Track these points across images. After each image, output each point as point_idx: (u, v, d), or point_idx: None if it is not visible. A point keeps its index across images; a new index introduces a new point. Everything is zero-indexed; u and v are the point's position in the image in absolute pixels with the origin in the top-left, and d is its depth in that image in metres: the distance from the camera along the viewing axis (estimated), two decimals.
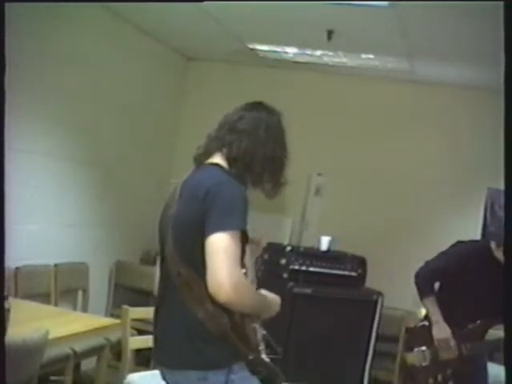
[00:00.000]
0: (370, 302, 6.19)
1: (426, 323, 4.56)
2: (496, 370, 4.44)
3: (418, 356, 4.52)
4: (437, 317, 4.45)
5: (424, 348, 4.51)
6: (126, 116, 6.99)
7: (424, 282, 4.52)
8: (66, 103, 6.00)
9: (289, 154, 2.78)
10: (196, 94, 8.09)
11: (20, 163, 5.49)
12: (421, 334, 4.56)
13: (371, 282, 6.33)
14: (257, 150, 2.67)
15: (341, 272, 6.32)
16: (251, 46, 6.93)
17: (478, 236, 6.94)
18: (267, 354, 2.68)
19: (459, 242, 4.57)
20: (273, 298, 2.78)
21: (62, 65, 5.82)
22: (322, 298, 6.07)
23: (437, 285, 4.61)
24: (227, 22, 6.21)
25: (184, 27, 6.64)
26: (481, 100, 7.08)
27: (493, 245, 4.33)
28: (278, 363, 2.74)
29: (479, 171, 7.14)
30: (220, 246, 2.42)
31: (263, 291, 2.74)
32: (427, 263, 4.59)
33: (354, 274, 6.34)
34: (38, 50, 5.47)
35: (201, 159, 2.75)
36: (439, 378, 4.45)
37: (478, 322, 4.44)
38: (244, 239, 2.54)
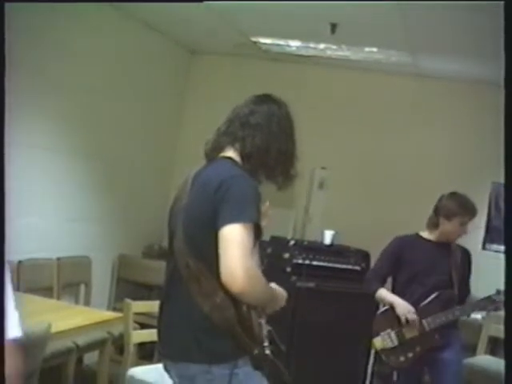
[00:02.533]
0: (363, 287, 6.18)
1: (386, 308, 4.74)
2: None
3: (385, 339, 4.68)
4: (394, 298, 4.66)
5: (389, 330, 4.68)
6: (129, 110, 6.97)
7: (369, 282, 4.87)
8: (68, 97, 5.99)
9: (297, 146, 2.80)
10: (199, 88, 8.08)
11: (22, 157, 5.49)
12: (383, 320, 4.73)
13: None
14: (270, 145, 2.67)
15: (344, 266, 6.31)
16: (254, 40, 6.92)
17: (482, 230, 6.94)
18: (271, 351, 2.67)
19: (396, 237, 4.91)
20: (280, 291, 2.78)
21: (63, 59, 5.81)
22: (325, 291, 6.07)
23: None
24: (230, 16, 6.20)
25: (187, 21, 6.62)
26: (484, 94, 7.05)
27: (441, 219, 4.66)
28: (281, 357, 2.73)
29: (483, 165, 7.12)
30: (234, 238, 2.41)
31: (272, 284, 2.74)
32: (372, 268, 5.04)
33: (357, 268, 6.33)
34: (39, 44, 5.46)
35: (212, 154, 2.75)
36: (409, 355, 4.62)
37: (432, 296, 4.61)
38: (257, 232, 2.53)
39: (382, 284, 4.82)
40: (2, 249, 2.02)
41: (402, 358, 4.63)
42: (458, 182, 7.15)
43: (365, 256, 6.36)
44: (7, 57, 4.79)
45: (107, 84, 6.51)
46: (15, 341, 2.05)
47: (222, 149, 2.72)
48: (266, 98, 2.79)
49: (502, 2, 2.20)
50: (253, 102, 2.77)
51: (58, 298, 5.87)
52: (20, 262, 5.50)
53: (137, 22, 6.73)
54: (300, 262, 6.11)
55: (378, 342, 4.72)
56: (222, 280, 2.42)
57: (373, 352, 5.70)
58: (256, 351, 2.57)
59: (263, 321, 2.68)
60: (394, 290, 4.79)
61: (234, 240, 2.41)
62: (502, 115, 2.15)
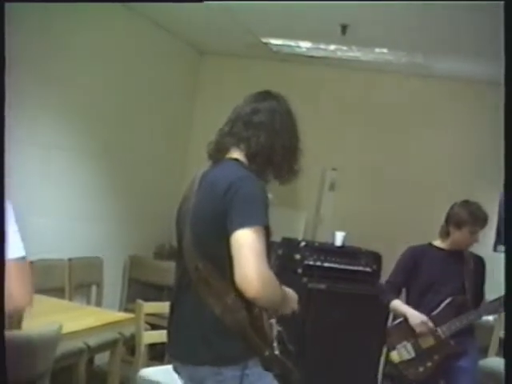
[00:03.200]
0: (379, 298, 6.17)
1: (401, 320, 4.73)
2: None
3: (402, 351, 4.68)
4: (407, 309, 4.66)
5: (405, 343, 4.67)
6: (140, 110, 6.98)
7: (385, 294, 4.86)
8: (81, 97, 6.00)
9: (301, 140, 2.78)
10: (209, 88, 8.09)
11: (35, 157, 5.51)
12: (398, 332, 4.73)
13: (386, 278, 6.30)
14: (275, 143, 2.66)
15: (355, 268, 6.31)
16: (265, 40, 6.91)
17: (492, 232, 6.92)
18: (280, 351, 2.67)
19: (409, 248, 4.91)
20: (292, 293, 2.77)
21: (75, 58, 5.83)
22: (336, 293, 6.07)
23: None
24: (240, 16, 6.20)
25: (197, 21, 6.63)
26: (497, 94, 7.01)
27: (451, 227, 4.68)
28: (292, 358, 2.73)
29: (495, 167, 7.06)
30: (246, 242, 2.41)
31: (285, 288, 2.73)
32: (387, 280, 5.00)
33: (368, 269, 6.33)
34: (49, 43, 5.47)
35: (216, 155, 2.73)
36: (428, 365, 4.61)
37: (444, 302, 4.61)
38: (267, 234, 2.53)
39: (397, 295, 4.82)
40: (2, 252, 2.02)
41: (420, 369, 4.61)
42: (470, 184, 7.13)
43: (376, 257, 6.36)
44: (16, 56, 4.79)
45: (117, 84, 6.52)
46: (22, 259, 2.07)
47: (226, 150, 2.70)
48: (266, 95, 2.78)
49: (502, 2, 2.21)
50: (253, 100, 2.75)
51: (70, 299, 5.88)
52: (31, 262, 5.49)
53: (147, 21, 6.74)
54: (311, 263, 6.11)
55: (395, 356, 4.70)
56: (237, 285, 2.41)
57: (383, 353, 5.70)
58: (267, 352, 2.57)
59: (274, 321, 2.68)
60: (408, 301, 4.79)
61: (246, 245, 2.41)
62: None
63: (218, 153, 2.73)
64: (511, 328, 2.10)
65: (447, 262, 4.67)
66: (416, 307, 4.64)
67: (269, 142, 2.65)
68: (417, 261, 4.76)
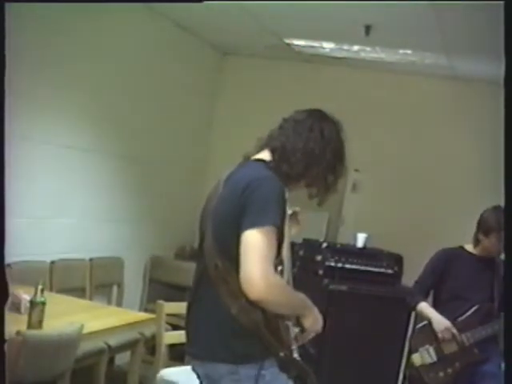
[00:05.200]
0: (406, 299, 6.13)
1: (426, 323, 4.70)
2: None
3: (424, 355, 4.65)
4: (433, 314, 4.64)
5: (427, 346, 4.64)
6: (161, 111, 6.99)
7: (413, 295, 4.85)
8: (104, 99, 6.02)
9: (343, 164, 2.80)
10: (231, 89, 8.08)
11: (56, 158, 5.53)
12: (422, 335, 4.71)
13: (407, 280, 6.26)
14: (299, 149, 2.66)
15: (377, 269, 6.28)
16: (288, 41, 6.90)
17: None
18: (300, 354, 2.65)
19: (440, 250, 4.88)
20: (312, 308, 2.71)
21: (96, 58, 5.85)
22: (357, 295, 6.04)
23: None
24: (263, 17, 6.18)
25: (220, 22, 6.62)
26: None
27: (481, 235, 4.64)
28: (312, 360, 2.71)
29: None
30: (253, 244, 2.40)
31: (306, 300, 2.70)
32: (422, 272, 4.92)
33: (390, 271, 6.29)
34: (73, 43, 5.51)
35: (249, 155, 2.76)
36: (449, 371, 4.59)
37: (472, 309, 4.58)
38: (280, 236, 2.51)
39: (425, 297, 4.80)
40: (2, 253, 2.01)
41: (441, 374, 4.59)
42: (495, 185, 7.04)
43: (397, 259, 6.32)
44: (37, 55, 4.81)
45: (139, 84, 6.53)
46: None
47: (258, 150, 2.73)
48: (316, 113, 2.80)
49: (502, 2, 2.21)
50: (301, 113, 2.78)
51: (91, 299, 5.90)
52: (53, 262, 5.53)
53: (169, 22, 6.74)
54: (332, 264, 6.08)
55: (417, 359, 4.68)
56: (241, 286, 2.41)
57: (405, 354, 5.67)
58: (282, 353, 2.56)
59: (291, 323, 2.66)
60: (435, 304, 4.76)
61: (253, 245, 2.40)
62: None
63: (250, 154, 2.76)
64: (511, 328, 2.10)
65: (478, 268, 4.63)
66: (442, 311, 4.62)
67: (296, 147, 2.65)
68: (447, 264, 4.73)
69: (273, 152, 2.68)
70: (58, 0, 4.93)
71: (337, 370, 5.71)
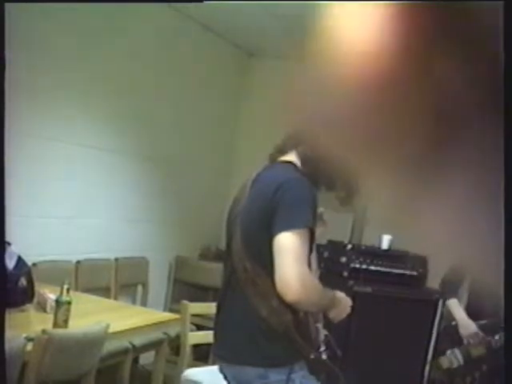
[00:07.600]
0: (431, 301, 6.10)
1: (453, 323, 4.63)
2: None
3: (450, 358, 4.59)
4: (460, 315, 4.57)
5: (455, 349, 4.58)
6: (187, 112, 7.01)
7: (446, 286, 4.77)
8: (130, 101, 6.05)
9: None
10: (257, 91, 8.07)
11: (81, 158, 5.56)
12: (450, 336, 4.63)
13: (432, 282, 6.23)
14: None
15: (401, 271, 6.25)
16: None
17: None
18: (327, 356, 2.65)
19: None
20: (342, 297, 2.73)
21: (122, 59, 5.87)
22: (382, 296, 6.02)
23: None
24: (289, 19, 6.17)
25: (246, 24, 6.62)
26: None
27: None
28: (337, 362, 2.71)
29: None
30: (288, 246, 2.40)
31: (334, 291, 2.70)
32: (451, 267, 4.71)
33: (414, 273, 6.26)
34: (96, 44, 5.54)
35: (275, 157, 2.74)
36: (476, 375, 4.51)
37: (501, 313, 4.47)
38: (312, 238, 2.51)
39: (456, 294, 4.72)
40: (2, 254, 2.02)
41: (467, 378, 4.53)
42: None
43: (422, 261, 6.29)
44: (62, 55, 4.85)
45: (164, 85, 6.55)
46: None
47: (285, 152, 2.70)
48: None
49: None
50: None
51: (116, 299, 5.92)
52: (78, 262, 5.56)
53: (195, 23, 6.75)
54: (357, 266, 6.07)
55: (444, 361, 4.63)
56: (277, 290, 2.40)
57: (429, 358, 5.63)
58: (312, 356, 2.55)
59: (320, 325, 2.66)
60: (468, 302, 4.68)
61: (287, 248, 2.40)
62: None
63: (277, 154, 2.73)
64: (511, 328, 2.08)
65: None
66: (473, 311, 4.54)
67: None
68: None
69: (301, 155, 2.66)
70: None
71: (361, 372, 5.69)
